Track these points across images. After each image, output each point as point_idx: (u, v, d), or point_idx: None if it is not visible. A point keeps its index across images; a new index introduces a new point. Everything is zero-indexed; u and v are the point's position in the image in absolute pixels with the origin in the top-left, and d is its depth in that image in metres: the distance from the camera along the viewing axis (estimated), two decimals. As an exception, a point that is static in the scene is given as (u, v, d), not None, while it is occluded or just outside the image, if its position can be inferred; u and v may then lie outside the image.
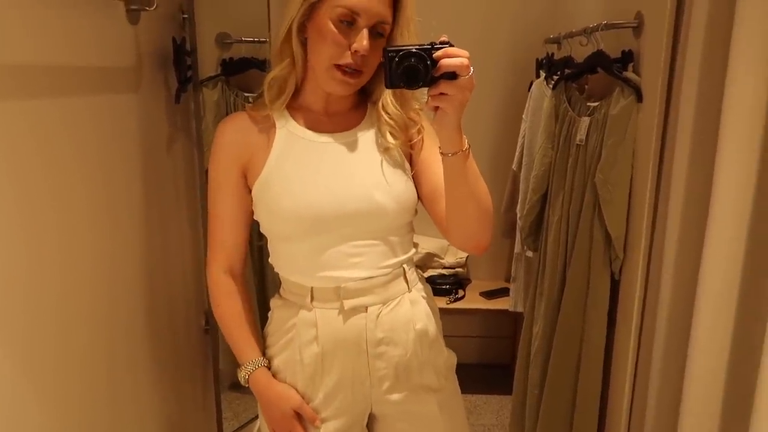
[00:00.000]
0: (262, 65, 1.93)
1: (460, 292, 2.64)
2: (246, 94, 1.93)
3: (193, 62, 1.41)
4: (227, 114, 1.84)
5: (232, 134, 1.10)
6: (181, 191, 1.50)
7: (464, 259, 2.71)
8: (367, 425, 1.19)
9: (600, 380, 1.74)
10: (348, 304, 1.08)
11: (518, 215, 2.32)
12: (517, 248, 2.42)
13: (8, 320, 0.87)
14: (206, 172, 1.43)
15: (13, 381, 0.89)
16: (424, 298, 1.18)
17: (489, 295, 2.64)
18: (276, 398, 1.12)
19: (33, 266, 0.93)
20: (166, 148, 1.40)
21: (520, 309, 2.43)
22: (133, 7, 1.17)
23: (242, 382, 1.14)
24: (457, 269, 2.70)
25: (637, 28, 1.59)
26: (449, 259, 2.69)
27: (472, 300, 2.63)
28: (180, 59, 1.38)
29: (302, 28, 1.04)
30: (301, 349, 1.11)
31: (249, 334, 1.14)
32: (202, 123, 1.65)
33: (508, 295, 2.53)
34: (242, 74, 1.92)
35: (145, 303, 1.32)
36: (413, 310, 1.14)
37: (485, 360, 2.89)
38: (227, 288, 1.14)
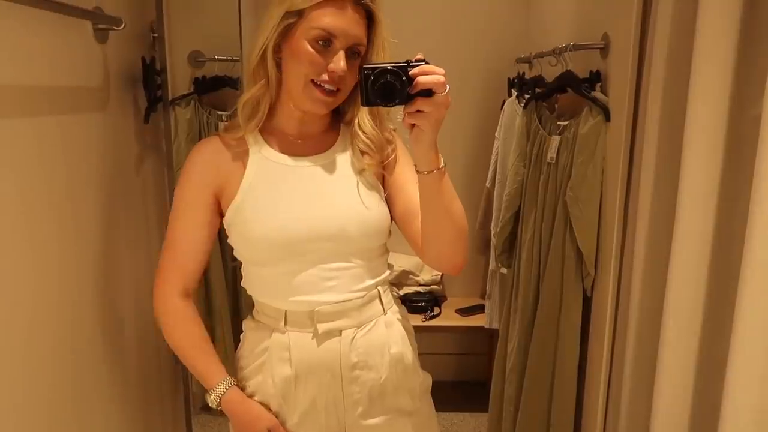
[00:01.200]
0: (235, 83, 1.92)
1: (436, 310, 2.64)
2: (219, 113, 1.91)
3: (162, 81, 1.40)
4: (200, 132, 1.83)
5: (205, 160, 1.08)
6: (151, 211, 1.48)
7: (440, 276, 2.71)
8: None
9: (574, 396, 1.74)
10: (322, 327, 1.07)
11: (492, 232, 2.34)
12: (491, 265, 2.43)
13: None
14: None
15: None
16: (399, 320, 1.17)
17: (464, 312, 2.64)
18: (251, 418, 1.09)
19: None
20: (135, 168, 1.38)
21: (495, 326, 2.43)
22: (100, 26, 1.16)
23: (213, 405, 1.10)
24: (432, 286, 2.70)
25: (604, 49, 1.63)
26: (425, 277, 2.69)
27: (447, 317, 2.63)
28: (149, 78, 1.37)
29: (277, 48, 1.03)
30: (273, 373, 1.09)
31: (213, 356, 1.11)
32: (173, 142, 1.63)
33: (484, 312, 2.54)
34: (215, 92, 1.91)
35: (112, 326, 1.29)
36: (388, 333, 1.13)
37: (462, 377, 2.89)
38: (184, 313, 1.09)
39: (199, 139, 1.79)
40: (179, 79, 1.71)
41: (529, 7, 2.59)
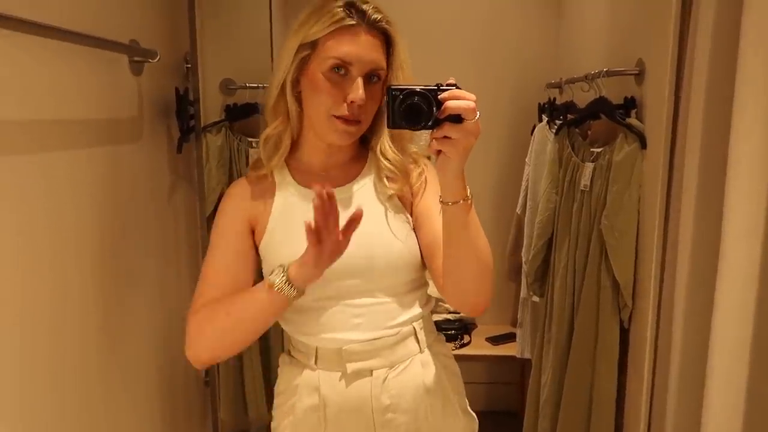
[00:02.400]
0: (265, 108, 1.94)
1: (466, 338, 2.59)
2: (249, 139, 1.93)
3: (195, 112, 1.41)
4: (230, 159, 1.84)
5: (235, 200, 1.07)
6: (182, 240, 1.49)
7: (469, 303, 2.67)
8: None
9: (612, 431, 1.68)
10: (351, 367, 1.02)
11: (523, 260, 2.30)
12: (523, 293, 2.38)
13: (6, 389, 0.85)
14: (207, 220, 1.42)
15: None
16: (439, 359, 1.10)
17: (495, 340, 2.59)
18: (308, 260, 0.92)
19: (28, 317, 0.90)
20: (167, 197, 1.39)
21: (527, 355, 2.37)
22: (136, 59, 1.17)
23: (280, 282, 0.93)
24: (462, 314, 2.66)
25: (639, 75, 1.59)
26: (454, 304, 2.65)
27: (478, 346, 2.57)
28: (182, 109, 1.39)
29: (295, 83, 1.02)
30: (303, 413, 1.05)
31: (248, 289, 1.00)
32: (206, 167, 1.64)
33: (515, 341, 2.48)
34: (246, 119, 1.93)
35: (144, 354, 1.29)
36: (425, 373, 1.07)
37: (492, 407, 2.82)
38: (204, 308, 1.00)
39: (230, 166, 1.84)
40: (210, 106, 1.73)
41: (560, 32, 2.58)
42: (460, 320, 2.64)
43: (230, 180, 1.82)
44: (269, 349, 2.01)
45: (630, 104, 1.63)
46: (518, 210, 2.42)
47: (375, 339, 1.03)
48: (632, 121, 1.59)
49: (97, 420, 1.10)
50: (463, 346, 2.55)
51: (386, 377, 1.04)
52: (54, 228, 0.96)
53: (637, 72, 1.60)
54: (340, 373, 1.04)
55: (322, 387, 1.04)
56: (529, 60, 2.63)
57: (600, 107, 1.70)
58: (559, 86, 2.28)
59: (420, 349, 1.07)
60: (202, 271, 1.05)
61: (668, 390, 1.39)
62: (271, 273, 0.95)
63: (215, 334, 0.98)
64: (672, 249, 1.40)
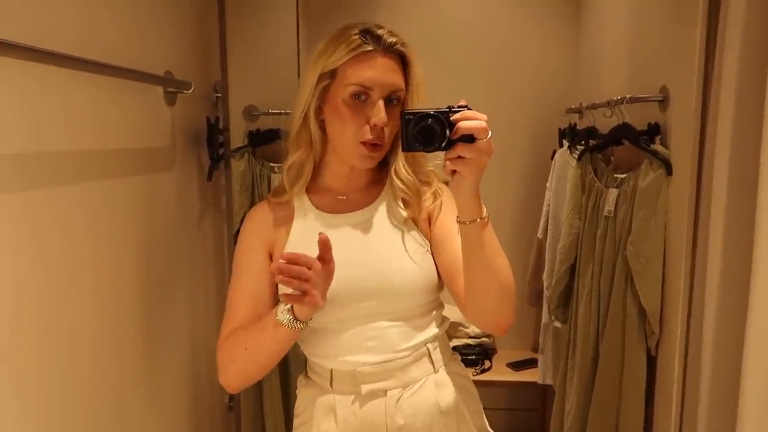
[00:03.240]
0: (287, 136, 1.97)
1: (487, 363, 2.57)
2: (271, 164, 1.96)
3: (225, 140, 1.44)
4: (252, 183, 1.86)
5: (254, 225, 1.10)
6: (210, 266, 1.50)
7: (489, 328, 2.65)
8: None
9: (640, 463, 1.65)
10: (365, 388, 1.04)
11: (545, 285, 2.28)
12: (544, 318, 2.36)
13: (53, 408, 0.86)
14: (235, 237, 1.44)
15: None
16: (455, 378, 1.11)
17: (516, 366, 2.56)
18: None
19: (70, 341, 0.92)
20: (197, 224, 1.41)
21: (549, 381, 2.35)
22: (171, 89, 1.20)
23: (286, 316, 0.95)
24: (482, 339, 2.64)
25: (663, 102, 1.60)
26: (474, 329, 2.64)
27: (499, 371, 2.55)
28: (213, 137, 1.41)
29: (318, 111, 1.04)
30: (320, 428, 1.06)
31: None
32: (232, 199, 1.67)
33: (536, 366, 2.46)
34: (268, 145, 1.96)
35: (174, 378, 1.29)
36: (439, 393, 1.07)
37: (513, 434, 2.78)
38: (230, 337, 1.04)
39: (252, 190, 1.86)
40: (234, 132, 1.75)
41: (579, 56, 2.59)
42: (480, 345, 2.62)
43: (252, 204, 1.84)
44: (288, 374, 2.00)
45: (654, 130, 1.63)
46: (539, 235, 2.42)
47: (388, 361, 1.04)
48: (657, 147, 1.59)
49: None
50: (483, 371, 2.52)
51: (400, 397, 1.05)
52: (93, 254, 0.98)
53: (661, 98, 1.60)
54: (354, 395, 1.05)
55: (338, 408, 1.05)
56: (547, 84, 2.65)
57: (624, 133, 1.71)
58: (579, 111, 2.29)
59: (434, 369, 1.08)
60: (228, 299, 1.07)
61: (697, 422, 1.37)
62: (278, 310, 0.97)
63: (238, 366, 1.02)
64: (700, 276, 1.39)
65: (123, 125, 1.07)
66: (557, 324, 2.19)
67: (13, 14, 0.77)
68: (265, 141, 1.96)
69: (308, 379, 1.12)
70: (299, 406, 1.13)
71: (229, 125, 1.42)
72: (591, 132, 1.99)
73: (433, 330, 1.09)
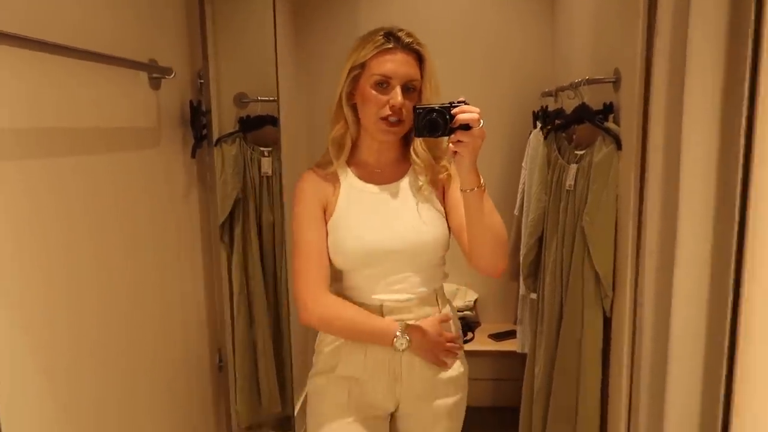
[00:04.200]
0: (275, 122, 2.10)
1: (469, 335, 2.71)
2: (261, 149, 2.09)
3: (207, 122, 1.58)
4: (244, 166, 2.01)
5: (311, 186, 1.36)
6: (196, 236, 1.65)
7: (472, 302, 2.79)
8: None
9: (598, 414, 1.78)
10: (389, 318, 1.33)
11: (521, 258, 2.41)
12: (522, 290, 2.49)
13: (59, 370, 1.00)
14: (226, 222, 1.61)
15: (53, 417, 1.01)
16: (450, 318, 1.42)
17: (497, 337, 2.70)
18: (431, 331, 1.34)
19: (68, 301, 1.06)
20: (183, 197, 1.56)
21: (527, 350, 2.47)
22: (155, 75, 1.34)
23: (404, 346, 1.30)
24: (465, 312, 2.77)
25: (616, 83, 1.72)
26: (458, 303, 2.77)
27: (481, 342, 2.69)
28: (196, 119, 1.55)
29: (350, 96, 1.32)
30: (349, 351, 1.34)
31: (374, 315, 1.33)
32: (220, 175, 1.80)
33: (516, 337, 2.59)
34: (258, 130, 2.08)
35: (162, 341, 1.44)
36: (441, 326, 1.37)
37: (497, 403, 2.92)
38: (339, 301, 1.33)
39: (244, 173, 2.00)
40: (226, 118, 1.89)
41: (554, 46, 2.71)
42: (462, 318, 2.76)
43: (245, 186, 1.99)
44: (281, 347, 2.15)
45: (608, 110, 1.75)
46: (516, 212, 2.54)
47: (408, 299, 1.34)
48: (609, 124, 1.71)
49: (115, 402, 1.26)
50: (466, 342, 2.66)
51: None
52: (86, 220, 1.12)
53: (614, 80, 1.72)
54: None
55: None
56: (527, 72, 2.78)
57: (582, 113, 1.83)
58: (552, 94, 2.41)
59: (439, 308, 1.39)
60: (299, 253, 1.33)
61: (641, 375, 1.50)
62: (397, 340, 1.30)
63: (329, 331, 1.36)
64: (643, 241, 1.52)
65: (112, 106, 1.21)
66: (533, 295, 2.32)
67: (15, 9, 0.91)
68: (255, 126, 2.09)
69: None
70: (327, 336, 1.39)
71: (210, 108, 1.56)
72: (558, 113, 2.11)
73: (439, 280, 1.41)
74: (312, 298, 1.30)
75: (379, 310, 1.34)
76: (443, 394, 1.40)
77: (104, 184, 1.18)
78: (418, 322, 1.35)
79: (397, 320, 1.33)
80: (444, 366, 1.38)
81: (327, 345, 1.39)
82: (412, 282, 1.35)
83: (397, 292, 1.35)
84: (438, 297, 1.41)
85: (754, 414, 1.07)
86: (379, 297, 1.34)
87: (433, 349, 1.35)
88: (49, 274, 1.01)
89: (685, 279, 1.25)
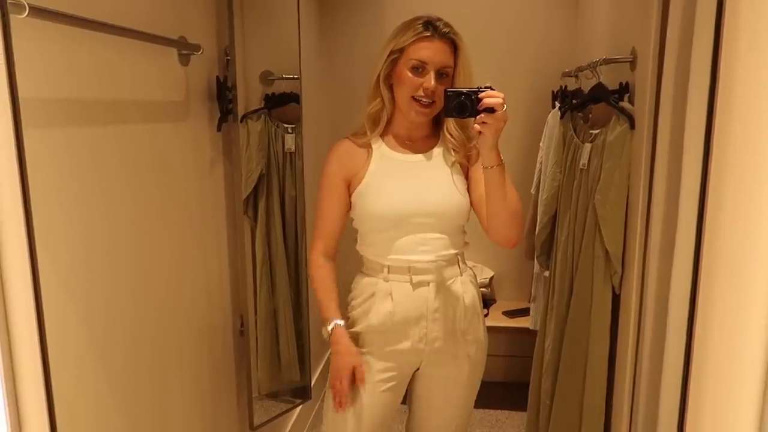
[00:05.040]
0: (298, 99, 2.17)
1: (484, 311, 2.76)
2: (285, 125, 2.16)
3: (233, 97, 1.65)
4: (268, 143, 2.08)
5: (340, 155, 1.51)
6: (221, 206, 1.73)
7: (488, 279, 2.85)
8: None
9: (604, 388, 1.83)
10: (415, 278, 1.47)
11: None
12: (536, 268, 2.54)
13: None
14: (250, 197, 1.70)
15: (93, 369, 1.11)
16: (471, 282, 1.56)
17: (511, 314, 2.76)
18: (344, 349, 1.48)
19: (90, 267, 1.15)
20: (209, 169, 1.64)
21: (539, 327, 2.53)
22: (184, 51, 1.42)
23: (325, 335, 1.51)
24: (481, 289, 2.82)
25: (633, 62, 1.74)
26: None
27: (495, 318, 2.75)
28: (222, 94, 1.63)
29: (387, 77, 1.44)
30: (379, 309, 1.48)
31: (335, 301, 1.53)
32: (245, 151, 1.88)
33: (529, 315, 2.65)
34: (282, 107, 2.16)
35: (187, 305, 1.53)
36: (463, 289, 1.51)
37: (509, 378, 2.99)
38: (323, 267, 1.54)
39: (268, 150, 2.07)
40: (252, 95, 1.96)
41: (576, 27, 2.72)
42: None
43: (269, 161, 2.07)
44: (301, 317, 2.24)
45: (624, 89, 1.78)
46: (532, 190, 2.58)
47: (433, 261, 1.47)
48: (624, 104, 1.74)
49: (145, 363, 1.36)
50: (481, 318, 2.72)
51: (438, 287, 1.48)
52: (129, 189, 1.22)
53: (631, 59, 1.75)
54: (408, 283, 1.48)
55: (394, 292, 1.48)
56: (550, 52, 2.80)
57: (597, 92, 1.86)
58: (572, 75, 2.43)
59: (460, 272, 1.53)
60: (317, 216, 1.54)
61: (644, 346, 1.55)
62: (324, 328, 1.51)
63: (312, 285, 1.58)
64: (651, 219, 1.55)
65: (145, 80, 1.30)
66: (546, 273, 2.36)
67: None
68: (279, 103, 2.16)
69: (366, 275, 1.55)
70: (358, 295, 1.55)
71: (236, 84, 1.63)
72: (575, 93, 2.14)
73: (461, 245, 1.53)
74: (313, 257, 1.55)
75: (407, 270, 1.46)
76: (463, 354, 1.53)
77: (140, 152, 1.27)
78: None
79: (420, 281, 1.46)
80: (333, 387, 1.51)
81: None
82: (436, 245, 1.47)
83: (423, 253, 1.46)
84: (459, 260, 1.53)
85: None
86: (407, 258, 1.46)
87: (334, 371, 1.49)
88: (90, 236, 1.09)
89: (680, 260, 1.29)
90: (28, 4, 0.80)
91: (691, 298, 1.27)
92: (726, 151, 0.96)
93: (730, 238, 0.84)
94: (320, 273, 1.54)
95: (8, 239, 0.71)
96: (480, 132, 1.28)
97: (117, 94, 1.18)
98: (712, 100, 0.95)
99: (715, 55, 0.93)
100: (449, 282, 1.50)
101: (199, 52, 1.42)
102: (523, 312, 2.75)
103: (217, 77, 1.63)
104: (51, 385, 0.79)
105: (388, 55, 1.41)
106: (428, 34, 1.38)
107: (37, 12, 0.83)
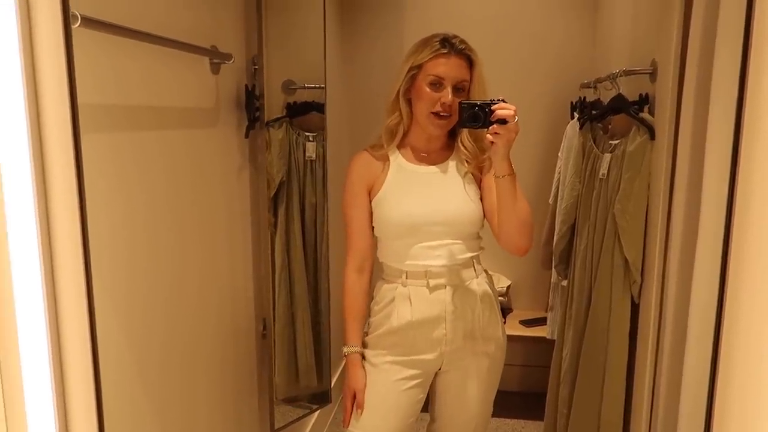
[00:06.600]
0: (321, 108, 2.21)
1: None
2: (307, 133, 2.20)
3: (260, 105, 1.69)
4: (289, 150, 2.12)
5: (360, 167, 1.57)
6: (247, 211, 1.77)
7: (505, 288, 2.86)
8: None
9: (623, 397, 1.84)
10: (432, 282, 1.53)
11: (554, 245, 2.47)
12: (553, 278, 2.55)
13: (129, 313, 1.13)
14: (270, 203, 1.74)
15: (127, 367, 1.14)
16: (487, 284, 1.61)
17: (528, 323, 2.77)
18: (353, 375, 1.58)
19: (131, 269, 1.19)
20: (236, 174, 1.68)
21: (556, 336, 2.53)
22: (215, 61, 1.46)
23: (344, 353, 1.61)
24: (498, 298, 2.84)
25: (653, 74, 1.76)
26: (491, 289, 2.84)
27: (511, 328, 2.76)
28: (250, 102, 1.67)
29: (406, 92, 1.51)
30: (398, 314, 1.53)
31: (360, 323, 1.61)
32: (268, 158, 1.92)
33: (546, 324, 2.65)
34: (304, 116, 2.19)
35: (215, 307, 1.57)
36: (479, 291, 1.57)
37: (525, 388, 2.99)
38: (353, 285, 1.60)
39: (289, 157, 2.11)
40: (274, 103, 2.00)
41: (595, 38, 2.74)
42: (495, 303, 2.83)
43: (289, 169, 2.10)
44: (320, 323, 2.26)
45: (644, 101, 1.80)
46: (550, 200, 2.60)
47: (448, 265, 1.53)
48: (644, 115, 1.76)
49: (175, 365, 1.39)
50: (497, 327, 2.73)
51: (455, 290, 1.54)
52: (168, 193, 1.27)
53: (651, 71, 1.77)
54: (425, 287, 1.53)
55: (413, 296, 1.54)
56: (568, 63, 2.82)
57: (617, 103, 1.88)
58: (590, 86, 2.45)
59: (476, 275, 1.58)
60: (347, 231, 1.60)
61: (663, 355, 1.55)
62: (353, 346, 1.60)
63: (343, 302, 1.63)
64: (670, 230, 1.57)
65: (181, 88, 1.35)
66: (564, 282, 2.38)
67: (111, 3, 1.04)
68: (301, 112, 2.20)
69: (386, 281, 1.61)
70: (379, 301, 1.61)
71: (263, 92, 1.67)
72: (594, 104, 2.16)
73: (476, 250, 1.58)
74: (345, 272, 1.62)
75: (424, 275, 1.52)
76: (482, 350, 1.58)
77: (178, 158, 1.33)
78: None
79: (437, 284, 1.52)
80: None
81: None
82: (451, 249, 1.53)
83: (439, 258, 1.52)
84: (475, 262, 1.58)
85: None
86: (424, 263, 1.52)
87: (343, 392, 1.60)
88: (132, 240, 1.14)
89: (702, 270, 1.30)
90: (80, 14, 0.84)
91: (717, 307, 1.29)
92: (754, 162, 0.98)
93: (759, 246, 0.86)
94: (352, 291, 1.61)
95: (63, 244, 0.74)
96: (492, 142, 1.33)
97: (157, 101, 1.23)
98: (739, 110, 0.97)
99: (742, 67, 0.95)
100: (466, 284, 1.56)
101: (231, 61, 1.46)
102: (540, 321, 2.76)
103: (246, 86, 1.67)
104: (101, 388, 0.82)
105: (408, 71, 1.48)
106: (445, 51, 1.45)
107: (88, 22, 0.88)
